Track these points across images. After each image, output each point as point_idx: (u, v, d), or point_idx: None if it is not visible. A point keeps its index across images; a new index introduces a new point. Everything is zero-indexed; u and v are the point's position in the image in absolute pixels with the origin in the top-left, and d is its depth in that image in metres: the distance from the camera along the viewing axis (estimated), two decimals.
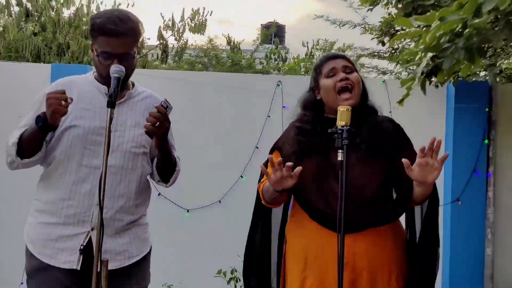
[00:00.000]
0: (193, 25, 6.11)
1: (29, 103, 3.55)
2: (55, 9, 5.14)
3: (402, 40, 3.19)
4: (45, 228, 1.75)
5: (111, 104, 1.53)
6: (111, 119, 1.53)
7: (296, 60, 12.96)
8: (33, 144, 1.70)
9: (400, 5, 3.27)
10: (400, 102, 1.79)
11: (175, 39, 6.26)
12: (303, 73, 11.95)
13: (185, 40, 6.26)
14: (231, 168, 3.74)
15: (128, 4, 6.47)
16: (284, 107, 3.73)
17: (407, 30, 1.59)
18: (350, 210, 1.63)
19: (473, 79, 3.14)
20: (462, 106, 3.68)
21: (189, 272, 3.60)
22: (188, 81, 3.77)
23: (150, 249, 1.90)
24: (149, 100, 1.85)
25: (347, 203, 1.57)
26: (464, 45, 1.33)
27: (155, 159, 1.87)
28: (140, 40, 1.89)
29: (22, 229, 3.00)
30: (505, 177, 3.69)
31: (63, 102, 1.58)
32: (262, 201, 1.86)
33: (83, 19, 5.10)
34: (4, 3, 5.60)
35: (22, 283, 3.46)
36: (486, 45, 1.42)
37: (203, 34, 6.32)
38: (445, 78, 1.69)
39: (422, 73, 1.62)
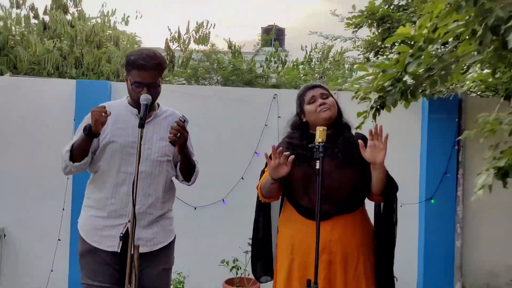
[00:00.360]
0: (197, 37, 6.53)
1: (56, 114, 4.07)
2: (71, 24, 5.60)
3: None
4: (94, 220, 2.24)
5: (142, 126, 2.03)
6: (141, 137, 2.01)
7: (294, 62, 13.46)
8: (81, 150, 2.17)
9: (379, 31, 3.77)
10: (359, 127, 2.28)
11: (181, 50, 6.69)
12: (301, 75, 12.40)
13: (189, 51, 6.66)
14: (233, 170, 4.13)
15: (137, 17, 6.92)
16: (279, 117, 4.16)
17: (364, 74, 2.07)
18: (328, 206, 2.15)
19: (441, 95, 3.61)
20: (435, 117, 4.14)
21: (196, 262, 4.00)
22: (197, 94, 4.23)
23: (174, 238, 2.38)
24: (171, 118, 2.30)
25: (325, 201, 2.08)
26: (400, 90, 1.81)
27: (178, 164, 2.32)
28: (164, 72, 2.39)
29: (52, 227, 3.58)
30: (473, 178, 4.09)
31: (103, 114, 2.09)
32: (260, 198, 2.35)
33: (98, 33, 5.58)
34: (22, 16, 6.05)
35: (52, 271, 3.96)
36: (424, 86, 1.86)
37: (207, 45, 6.75)
38: (390, 109, 2.15)
39: (371, 108, 2.11)
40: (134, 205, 1.98)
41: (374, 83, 1.92)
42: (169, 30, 6.59)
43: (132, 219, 1.98)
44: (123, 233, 2.20)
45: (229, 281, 3.99)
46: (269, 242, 2.47)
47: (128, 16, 6.98)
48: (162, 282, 2.33)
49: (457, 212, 4.16)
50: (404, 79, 1.85)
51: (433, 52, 1.72)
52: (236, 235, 3.88)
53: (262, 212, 2.47)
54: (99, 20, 5.91)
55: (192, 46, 7.00)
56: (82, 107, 3.77)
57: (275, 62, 12.02)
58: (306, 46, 16.31)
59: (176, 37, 6.52)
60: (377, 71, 1.94)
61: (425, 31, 1.74)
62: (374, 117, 2.15)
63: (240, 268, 3.98)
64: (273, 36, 12.55)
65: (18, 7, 5.80)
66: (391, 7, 3.96)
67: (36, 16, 5.94)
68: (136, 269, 1.99)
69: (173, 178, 2.39)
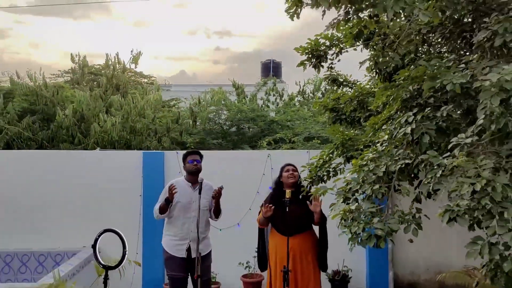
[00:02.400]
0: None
1: (127, 181, 6.47)
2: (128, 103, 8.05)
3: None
4: (171, 240, 4.57)
5: (200, 193, 4.38)
6: (199, 199, 4.37)
7: (291, 96, 15.87)
8: (164, 210, 4.53)
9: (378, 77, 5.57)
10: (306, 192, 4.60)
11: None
12: (296, 104, 14.70)
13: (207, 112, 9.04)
14: (244, 204, 6.43)
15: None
16: (272, 168, 6.48)
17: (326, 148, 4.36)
18: (292, 228, 4.44)
19: None
20: None
21: (223, 264, 6.00)
22: (216, 156, 6.59)
23: (211, 250, 4.71)
24: (208, 187, 4.65)
25: (291, 226, 4.37)
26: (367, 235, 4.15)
27: (212, 209, 4.68)
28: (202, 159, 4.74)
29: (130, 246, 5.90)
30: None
31: (174, 190, 4.44)
32: (259, 226, 4.69)
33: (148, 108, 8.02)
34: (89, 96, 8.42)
35: (134, 273, 6.23)
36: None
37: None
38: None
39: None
40: (198, 232, 4.32)
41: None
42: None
43: (197, 239, 4.32)
44: (187, 248, 4.52)
45: (244, 276, 6.30)
46: (265, 249, 4.79)
47: (139, 53, 9.44)
48: (208, 272, 4.65)
49: None
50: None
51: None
52: (246, 247, 6.14)
53: (260, 234, 4.79)
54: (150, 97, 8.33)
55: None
56: (148, 170, 6.15)
57: (274, 95, 14.39)
58: (299, 82, 18.84)
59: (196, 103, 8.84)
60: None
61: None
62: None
63: (251, 268, 6.29)
64: (272, 79, 14.76)
65: (91, 90, 8.24)
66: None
67: (101, 96, 8.39)
68: (199, 264, 4.33)
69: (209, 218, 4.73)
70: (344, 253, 6.08)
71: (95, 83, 9.35)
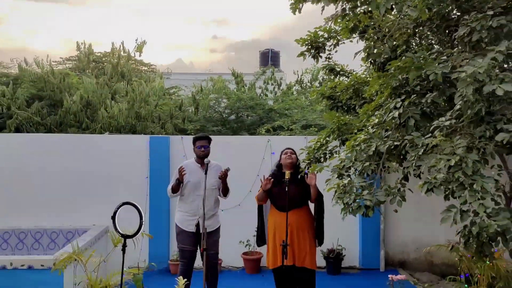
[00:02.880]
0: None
1: (135, 164, 6.84)
2: (133, 89, 8.39)
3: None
4: (182, 216, 4.97)
5: (206, 173, 4.77)
6: (205, 178, 4.76)
7: (289, 85, 16.21)
8: (176, 189, 4.93)
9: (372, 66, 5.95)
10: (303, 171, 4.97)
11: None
12: (294, 93, 15.04)
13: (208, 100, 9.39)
14: (245, 186, 6.82)
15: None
16: (272, 153, 6.89)
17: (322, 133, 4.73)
18: (291, 204, 4.82)
19: None
20: None
21: (223, 242, 6.40)
22: (224, 142, 6.96)
23: (220, 226, 5.11)
24: (216, 167, 5.05)
25: (290, 202, 4.75)
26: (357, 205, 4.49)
27: (221, 188, 5.06)
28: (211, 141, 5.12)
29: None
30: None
31: (183, 172, 4.82)
32: (257, 203, 5.07)
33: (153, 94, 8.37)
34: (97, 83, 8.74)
35: (141, 249, 6.62)
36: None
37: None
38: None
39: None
40: (203, 209, 4.71)
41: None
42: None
43: (203, 216, 4.71)
44: (197, 223, 4.91)
45: (245, 253, 6.71)
46: (263, 226, 5.17)
47: (143, 42, 9.78)
48: (215, 246, 5.04)
49: (381, 208, 6.83)
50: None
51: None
52: (246, 226, 6.54)
53: (259, 211, 5.18)
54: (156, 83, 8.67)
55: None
56: (155, 153, 6.51)
57: (272, 84, 14.70)
58: (297, 71, 19.15)
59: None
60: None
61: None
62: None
63: (251, 246, 6.70)
64: (271, 69, 15.06)
65: (96, 77, 8.56)
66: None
67: (107, 83, 8.74)
68: (205, 238, 4.72)
69: (218, 196, 5.12)
70: (338, 232, 6.58)
71: (99, 70, 9.70)
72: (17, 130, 8.43)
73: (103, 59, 12.67)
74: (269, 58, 21.18)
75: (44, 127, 8.60)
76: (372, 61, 4.89)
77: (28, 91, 8.83)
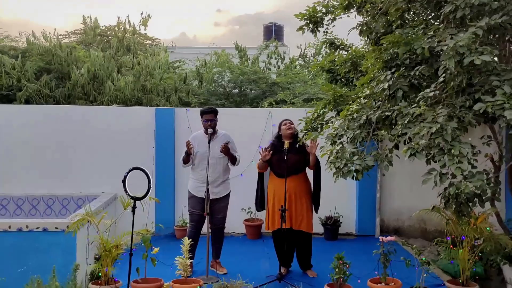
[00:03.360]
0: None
1: (142, 135, 7.15)
2: (139, 63, 8.62)
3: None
4: (194, 183, 5.29)
5: (209, 143, 5.07)
6: (208, 147, 5.06)
7: (292, 59, 16.34)
8: (186, 160, 5.23)
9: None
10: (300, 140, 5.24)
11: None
12: (297, 67, 15.16)
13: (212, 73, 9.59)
14: (246, 157, 7.08)
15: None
16: (273, 125, 7.15)
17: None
18: (290, 171, 5.11)
19: None
20: None
21: (229, 209, 6.99)
22: (221, 113, 7.21)
23: (229, 192, 5.42)
24: (223, 137, 5.33)
25: (289, 169, 5.04)
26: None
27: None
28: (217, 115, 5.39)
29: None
30: None
31: (190, 146, 5.12)
32: (258, 170, 5.37)
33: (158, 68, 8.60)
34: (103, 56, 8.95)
35: (148, 215, 6.95)
36: None
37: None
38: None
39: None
40: (207, 178, 5.02)
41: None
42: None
43: (207, 183, 5.02)
44: (206, 190, 5.21)
45: (246, 220, 7.05)
46: (263, 192, 5.48)
47: (148, 16, 10.00)
48: (223, 211, 5.36)
49: (377, 177, 7.13)
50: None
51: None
52: (248, 194, 6.82)
53: (259, 177, 5.48)
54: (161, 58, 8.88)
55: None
56: (160, 125, 6.80)
57: (275, 58, 14.80)
58: (301, 45, 19.17)
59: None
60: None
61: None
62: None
63: (252, 213, 7.03)
64: (273, 41, 15.13)
65: (102, 50, 8.79)
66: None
67: (113, 57, 8.97)
68: (208, 204, 5.04)
69: (228, 164, 5.40)
70: (336, 201, 6.91)
71: (105, 44, 9.91)
72: (27, 102, 8.71)
73: (108, 32, 12.84)
74: (273, 32, 21.17)
75: (53, 99, 8.87)
76: (368, 35, 5.11)
77: (36, 64, 9.07)
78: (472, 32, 2.94)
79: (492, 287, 5.34)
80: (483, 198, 3.04)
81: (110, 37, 10.97)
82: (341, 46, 7.08)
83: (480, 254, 4.68)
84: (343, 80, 6.58)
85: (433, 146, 2.94)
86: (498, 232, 4.91)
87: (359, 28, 4.68)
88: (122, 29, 9.86)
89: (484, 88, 3.03)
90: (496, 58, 3.17)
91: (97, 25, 10.49)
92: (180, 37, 38.06)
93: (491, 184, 3.05)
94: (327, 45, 7.17)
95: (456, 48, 2.89)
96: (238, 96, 11.16)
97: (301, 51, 16.81)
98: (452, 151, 2.88)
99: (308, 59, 16.70)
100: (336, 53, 6.89)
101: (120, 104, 8.57)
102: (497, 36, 3.15)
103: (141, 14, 10.74)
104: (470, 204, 3.10)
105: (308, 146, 5.02)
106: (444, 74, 3.08)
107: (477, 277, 4.68)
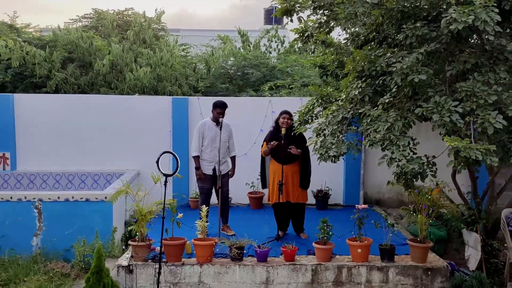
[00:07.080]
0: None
1: (160, 120, 8.43)
2: (155, 54, 9.72)
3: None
4: (203, 162, 6.55)
5: (220, 130, 6.29)
6: (220, 133, 6.29)
7: (291, 43, 17.28)
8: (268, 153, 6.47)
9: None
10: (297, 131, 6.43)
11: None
12: (298, 50, 16.10)
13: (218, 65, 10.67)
14: (250, 138, 8.28)
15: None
16: (273, 112, 8.30)
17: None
18: (286, 159, 6.33)
19: None
20: None
21: (233, 184, 7.79)
22: (233, 103, 8.39)
23: (230, 170, 6.69)
24: (226, 125, 6.56)
25: (285, 158, 6.26)
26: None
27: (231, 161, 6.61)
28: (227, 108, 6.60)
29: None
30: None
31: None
32: (262, 154, 6.60)
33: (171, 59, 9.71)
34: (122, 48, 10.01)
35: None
36: None
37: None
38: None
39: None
40: (219, 157, 6.26)
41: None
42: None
43: (218, 162, 6.27)
44: (213, 168, 6.46)
45: (250, 193, 8.33)
46: (265, 172, 6.70)
47: (162, 12, 11.14)
48: (227, 184, 6.62)
49: (361, 155, 8.33)
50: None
51: None
52: (251, 171, 8.06)
53: (262, 161, 6.70)
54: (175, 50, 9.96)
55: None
56: (176, 112, 8.02)
57: (276, 42, 15.71)
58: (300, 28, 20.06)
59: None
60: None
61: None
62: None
63: (255, 187, 8.29)
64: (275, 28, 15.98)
65: (120, 42, 9.89)
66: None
67: (130, 48, 10.08)
68: (220, 179, 6.30)
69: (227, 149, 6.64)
70: (326, 176, 8.15)
71: (123, 34, 10.98)
72: (56, 89, 9.87)
73: (117, 17, 13.79)
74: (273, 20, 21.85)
75: (78, 86, 10.02)
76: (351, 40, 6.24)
77: (61, 54, 10.17)
78: (415, 56, 4.11)
79: (454, 248, 6.64)
80: (424, 175, 4.27)
81: (125, 28, 11.94)
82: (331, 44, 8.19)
83: (446, 221, 5.92)
84: (333, 74, 7.72)
85: (385, 139, 4.15)
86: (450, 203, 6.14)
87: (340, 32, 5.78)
88: (138, 22, 10.90)
89: (423, 97, 4.22)
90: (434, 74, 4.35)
91: (115, 18, 11.53)
92: (181, 13, 38.47)
93: (430, 165, 4.27)
94: (319, 42, 8.28)
95: (402, 69, 4.07)
96: (241, 80, 12.11)
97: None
98: (398, 142, 4.09)
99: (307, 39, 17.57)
100: (327, 51, 8.01)
101: (139, 92, 9.73)
102: (433, 58, 4.32)
103: (156, 10, 11.81)
104: (414, 180, 4.33)
105: (296, 146, 6.15)
106: (395, 86, 4.26)
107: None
